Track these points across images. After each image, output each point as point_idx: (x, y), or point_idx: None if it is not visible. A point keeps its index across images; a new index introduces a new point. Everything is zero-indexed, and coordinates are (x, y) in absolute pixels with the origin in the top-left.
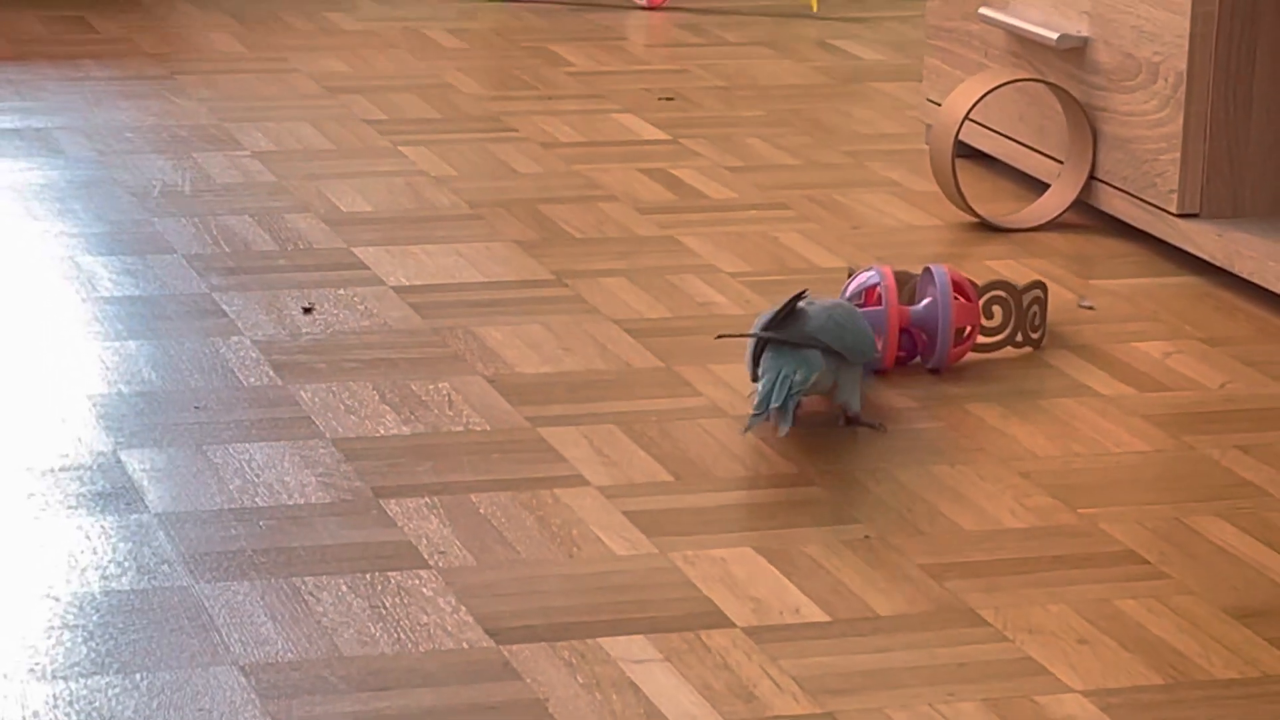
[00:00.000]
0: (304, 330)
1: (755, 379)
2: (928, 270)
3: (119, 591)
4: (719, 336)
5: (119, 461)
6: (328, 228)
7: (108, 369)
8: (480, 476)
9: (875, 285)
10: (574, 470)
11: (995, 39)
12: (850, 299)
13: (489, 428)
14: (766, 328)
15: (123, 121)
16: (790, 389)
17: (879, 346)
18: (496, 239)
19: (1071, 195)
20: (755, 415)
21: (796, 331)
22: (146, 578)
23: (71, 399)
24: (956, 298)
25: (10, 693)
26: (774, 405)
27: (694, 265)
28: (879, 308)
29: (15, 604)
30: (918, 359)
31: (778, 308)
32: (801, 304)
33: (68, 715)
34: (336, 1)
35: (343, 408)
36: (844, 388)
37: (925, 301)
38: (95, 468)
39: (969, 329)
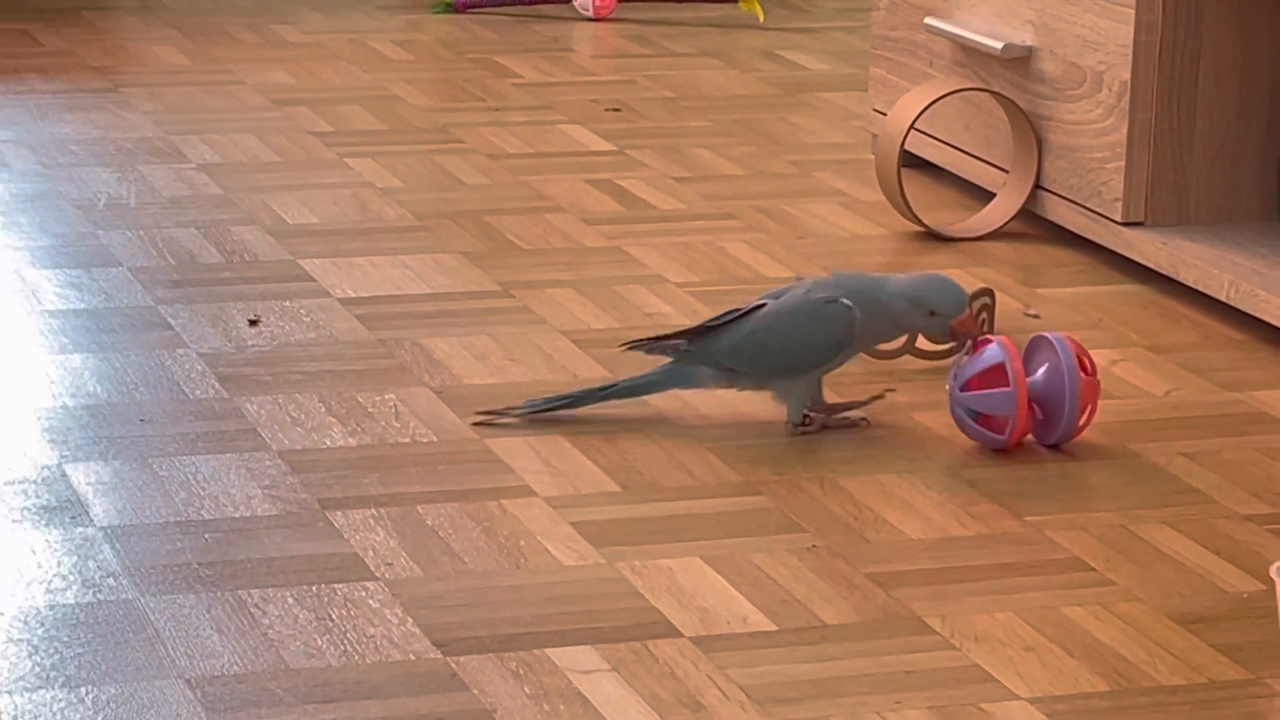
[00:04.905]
0: (250, 343)
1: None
2: (1042, 338)
3: (64, 605)
4: (623, 345)
5: (64, 475)
6: (274, 240)
7: (53, 382)
8: (427, 488)
9: (1000, 364)
10: (521, 481)
11: (941, 49)
12: (965, 377)
13: (436, 439)
14: (687, 333)
15: (67, 134)
16: (615, 393)
17: (1006, 426)
18: (443, 250)
19: (1017, 204)
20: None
21: (700, 351)
22: (92, 591)
23: (17, 412)
24: (1080, 372)
25: None
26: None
27: (641, 276)
28: (1007, 389)
29: None
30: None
31: (732, 312)
32: (740, 312)
33: None
34: (282, 14)
35: (289, 420)
36: (778, 399)
37: (1042, 371)
38: (40, 481)
39: (1090, 408)
